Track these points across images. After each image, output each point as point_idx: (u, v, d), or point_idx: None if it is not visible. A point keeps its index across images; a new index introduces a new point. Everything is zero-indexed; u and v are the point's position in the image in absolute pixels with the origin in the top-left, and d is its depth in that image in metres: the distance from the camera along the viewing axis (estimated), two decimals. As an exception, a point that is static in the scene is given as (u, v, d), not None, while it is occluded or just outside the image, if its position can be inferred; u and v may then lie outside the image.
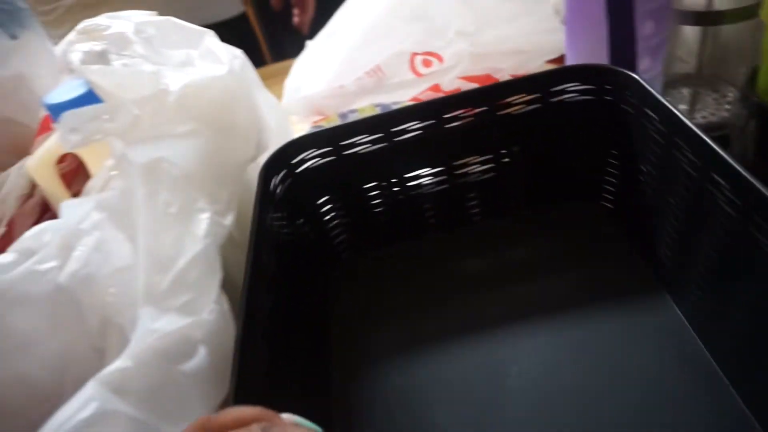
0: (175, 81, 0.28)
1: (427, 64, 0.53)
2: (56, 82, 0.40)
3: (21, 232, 0.33)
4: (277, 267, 0.30)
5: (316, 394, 0.30)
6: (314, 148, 0.37)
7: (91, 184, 0.28)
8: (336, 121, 0.52)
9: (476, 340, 0.31)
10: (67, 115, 0.25)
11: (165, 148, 0.26)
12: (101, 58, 0.30)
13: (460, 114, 0.38)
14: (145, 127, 0.26)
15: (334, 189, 0.40)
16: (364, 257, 0.40)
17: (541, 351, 0.29)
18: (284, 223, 0.35)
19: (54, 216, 0.34)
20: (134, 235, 0.24)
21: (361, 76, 0.53)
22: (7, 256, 0.24)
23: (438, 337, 0.32)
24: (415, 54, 0.52)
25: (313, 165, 0.38)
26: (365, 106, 0.52)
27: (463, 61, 0.52)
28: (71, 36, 0.41)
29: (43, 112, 0.37)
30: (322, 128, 0.38)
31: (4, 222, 0.31)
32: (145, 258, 0.22)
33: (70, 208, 0.26)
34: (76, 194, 0.33)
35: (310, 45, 0.58)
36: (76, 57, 0.30)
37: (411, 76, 0.53)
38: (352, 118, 0.52)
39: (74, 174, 0.34)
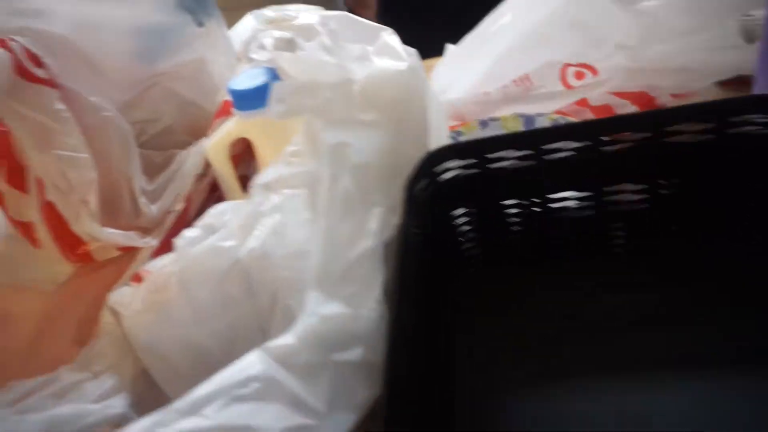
0: (358, 72, 0.30)
1: (579, 76, 0.51)
2: (231, 68, 0.44)
3: (194, 209, 0.37)
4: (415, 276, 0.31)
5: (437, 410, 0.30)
6: (459, 158, 0.37)
7: (268, 167, 0.30)
8: (476, 128, 0.51)
9: (613, 382, 0.29)
10: (277, 86, 0.27)
11: (350, 134, 0.27)
12: (290, 45, 0.32)
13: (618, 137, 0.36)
14: (334, 111, 0.28)
15: (472, 201, 0.40)
16: (493, 274, 0.39)
17: (686, 406, 0.27)
18: (419, 231, 0.36)
19: (221, 196, 0.37)
20: (312, 219, 0.26)
21: (508, 84, 0.52)
22: (193, 231, 0.27)
23: (569, 372, 0.30)
24: (568, 65, 0.50)
25: (456, 175, 0.38)
26: (508, 115, 0.51)
27: (618, 75, 0.50)
28: (250, 24, 0.44)
29: (221, 97, 0.41)
30: (463, 136, 0.38)
31: (182, 197, 0.34)
32: (321, 244, 0.23)
33: (255, 189, 0.28)
34: (241, 177, 0.36)
35: (452, 48, 0.58)
36: (268, 42, 0.32)
37: (560, 87, 0.51)
38: (492, 126, 0.51)
39: (240, 158, 0.37)
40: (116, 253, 0.36)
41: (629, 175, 0.37)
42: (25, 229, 0.40)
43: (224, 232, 0.26)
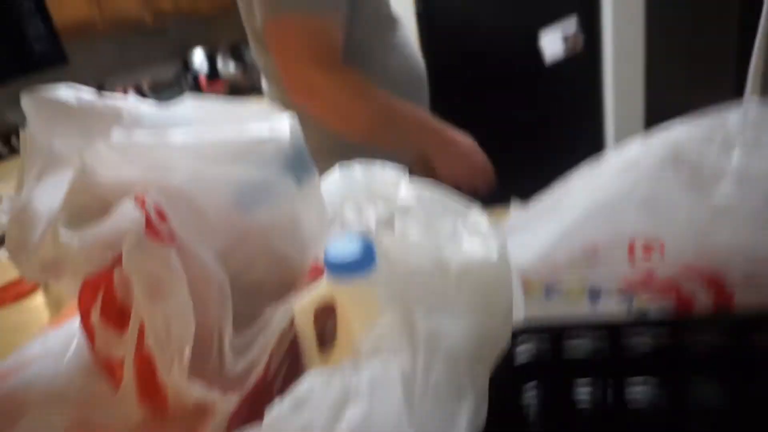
0: (452, 256, 0.32)
1: (647, 251, 0.52)
2: (323, 228, 0.47)
3: (274, 367, 0.38)
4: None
5: None
6: (535, 337, 0.38)
7: (358, 343, 0.32)
8: (540, 294, 0.52)
9: None
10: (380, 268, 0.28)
11: (444, 321, 0.29)
12: (389, 224, 0.35)
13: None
14: (429, 297, 0.30)
15: (542, 378, 0.40)
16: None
17: None
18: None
19: (298, 354, 0.39)
20: (403, 410, 0.26)
21: (575, 251, 0.54)
22: (282, 407, 0.28)
23: None
24: (636, 239, 0.52)
25: (529, 352, 0.39)
26: (574, 288, 0.52)
27: (686, 255, 0.51)
28: (340, 183, 0.49)
29: (311, 255, 0.44)
30: (529, 300, 0.39)
31: (266, 354, 0.36)
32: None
33: (337, 372, 0.29)
34: (321, 343, 0.37)
35: (518, 211, 0.61)
36: (368, 216, 0.35)
37: (626, 260, 0.53)
38: (557, 297, 0.52)
39: (320, 316, 0.39)
40: (191, 406, 0.37)
41: (711, 372, 0.36)
42: (109, 367, 0.42)
43: (314, 412, 0.27)
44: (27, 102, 0.43)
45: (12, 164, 1.99)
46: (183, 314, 0.34)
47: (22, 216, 0.44)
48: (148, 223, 0.35)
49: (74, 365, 0.45)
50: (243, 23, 1.02)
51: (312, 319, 0.38)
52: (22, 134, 0.45)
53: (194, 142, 0.43)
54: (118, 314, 0.44)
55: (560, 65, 2.30)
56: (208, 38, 3.37)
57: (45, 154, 0.45)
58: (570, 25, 2.25)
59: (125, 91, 2.44)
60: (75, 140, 0.45)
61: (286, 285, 0.43)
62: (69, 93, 0.44)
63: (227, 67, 3.21)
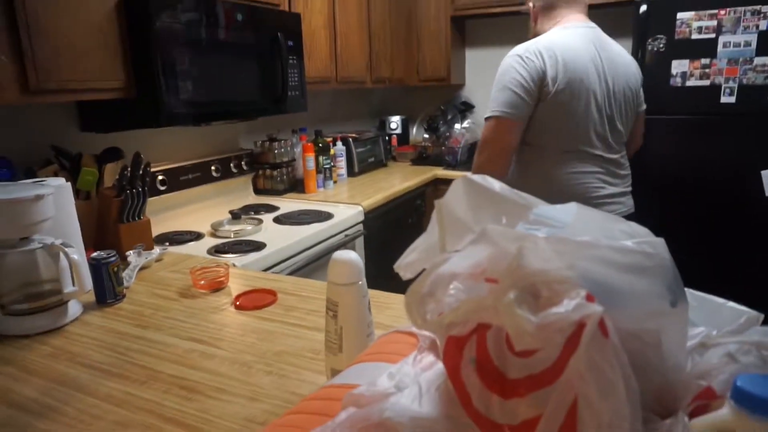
0: None
1: None
2: (683, 352, 0.50)
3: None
4: None
5: None
6: None
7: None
8: None
9: None
10: None
11: None
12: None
13: None
14: None
15: None
16: None
17: None
18: None
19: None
20: None
21: None
22: None
23: None
24: None
25: None
26: None
27: None
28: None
29: (674, 376, 0.47)
30: None
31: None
32: None
33: None
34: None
35: None
36: None
37: None
38: None
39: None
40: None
41: None
42: (487, 425, 0.47)
43: None
44: (460, 181, 0.52)
45: (232, 183, 2.29)
46: (620, 412, 0.38)
47: (433, 273, 0.53)
48: (601, 319, 0.40)
49: (439, 411, 0.51)
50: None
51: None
52: (438, 204, 0.54)
53: (597, 247, 0.49)
54: (494, 378, 0.49)
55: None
56: (407, 106, 3.67)
57: (456, 222, 0.54)
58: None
59: (335, 139, 2.72)
60: (487, 219, 0.53)
61: (662, 398, 0.45)
62: (493, 182, 0.53)
63: (419, 134, 3.44)
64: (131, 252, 1.46)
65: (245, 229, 1.85)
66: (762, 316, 0.54)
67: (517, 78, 1.55)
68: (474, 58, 3.47)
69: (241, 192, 2.37)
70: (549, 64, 1.53)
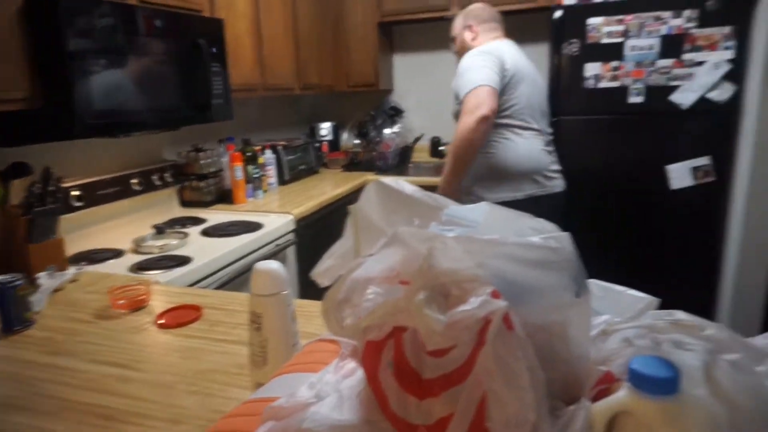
0: None
1: None
2: (588, 340, 0.52)
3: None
4: None
5: None
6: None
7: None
8: None
9: None
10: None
11: None
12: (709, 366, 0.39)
13: None
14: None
15: None
16: None
17: None
18: None
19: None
20: None
21: None
22: None
23: None
24: None
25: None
26: None
27: None
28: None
29: (577, 364, 0.49)
30: None
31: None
32: None
33: None
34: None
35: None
36: (693, 356, 0.39)
37: None
38: None
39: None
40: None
41: None
42: (405, 427, 0.47)
43: None
44: (372, 186, 0.52)
45: (155, 196, 2.20)
46: (526, 402, 0.39)
47: (348, 278, 0.52)
48: (506, 314, 0.41)
49: (359, 417, 0.51)
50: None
51: (605, 424, 0.42)
52: (352, 209, 0.54)
53: (504, 245, 0.50)
54: (410, 380, 0.49)
55: (689, 189, 2.31)
56: (337, 112, 3.66)
57: (370, 227, 0.54)
58: (703, 160, 2.28)
59: (264, 147, 2.67)
60: (400, 221, 0.53)
61: (568, 386, 0.47)
62: (404, 185, 0.53)
63: (350, 140, 3.44)
64: (42, 274, 1.36)
65: (170, 244, 1.78)
66: (659, 301, 0.57)
67: (488, 64, 1.94)
68: (402, 63, 3.52)
69: (165, 205, 2.27)
70: (502, 57, 1.97)
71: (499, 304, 0.41)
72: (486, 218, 0.56)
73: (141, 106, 1.72)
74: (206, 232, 1.97)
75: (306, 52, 2.95)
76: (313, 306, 1.15)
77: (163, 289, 1.36)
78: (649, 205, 2.39)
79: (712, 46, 2.21)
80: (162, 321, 1.14)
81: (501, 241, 0.49)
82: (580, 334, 0.51)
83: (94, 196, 1.91)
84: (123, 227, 2.00)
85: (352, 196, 2.82)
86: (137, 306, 1.22)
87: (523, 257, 0.50)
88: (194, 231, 1.98)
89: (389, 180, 0.54)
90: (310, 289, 2.30)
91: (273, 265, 0.78)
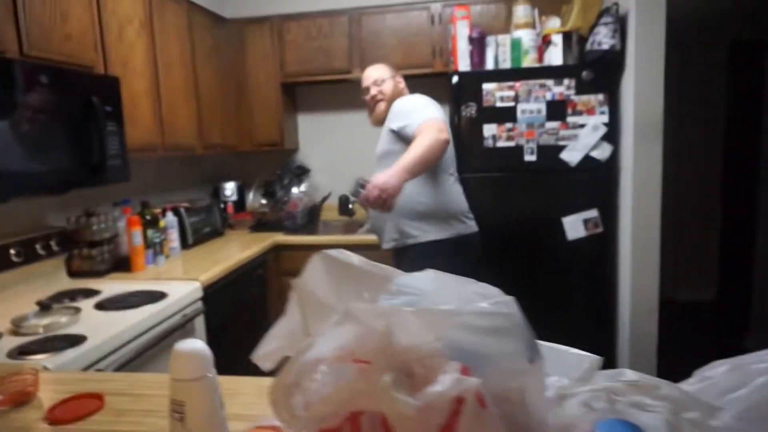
0: None
1: None
2: (545, 404, 0.52)
3: None
4: None
5: None
6: None
7: None
8: None
9: None
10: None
11: None
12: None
13: None
14: None
15: None
16: None
17: None
18: None
19: None
20: None
21: None
22: None
23: None
24: None
25: None
26: None
27: None
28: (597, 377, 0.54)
29: (546, 429, 0.48)
30: None
31: None
32: None
33: None
34: None
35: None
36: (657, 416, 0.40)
37: None
38: None
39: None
40: None
41: None
42: None
43: None
44: (318, 258, 0.49)
45: (38, 267, 1.97)
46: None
47: (298, 361, 0.48)
48: (478, 391, 0.39)
49: None
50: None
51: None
52: (296, 284, 0.51)
53: (460, 315, 0.49)
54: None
55: (582, 240, 2.50)
56: (241, 172, 3.57)
57: (318, 303, 0.50)
58: (591, 212, 2.49)
59: (164, 210, 2.52)
60: (349, 294, 0.51)
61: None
62: (351, 256, 0.51)
63: (256, 200, 3.35)
64: None
65: (58, 322, 1.58)
66: (601, 359, 0.59)
67: (437, 107, 2.11)
68: (306, 122, 3.55)
69: (50, 277, 2.04)
70: (438, 108, 2.14)
71: (471, 381, 0.40)
72: (433, 285, 0.55)
73: (23, 168, 1.56)
74: (101, 306, 1.79)
75: (208, 111, 2.88)
76: (233, 383, 1.06)
77: (53, 377, 1.19)
78: (549, 254, 2.55)
79: (590, 111, 2.47)
80: (53, 415, 0.99)
81: (457, 311, 0.49)
82: (538, 400, 0.51)
83: (-38, 271, 1.66)
84: (-2, 305, 1.75)
85: (262, 258, 2.73)
86: (21, 400, 1.05)
87: (477, 326, 0.50)
88: (87, 305, 1.78)
89: (335, 252, 0.52)
90: (224, 362, 2.13)
91: (196, 344, 0.71)
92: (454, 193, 2.16)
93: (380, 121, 2.26)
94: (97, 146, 1.84)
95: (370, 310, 0.45)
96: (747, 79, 3.72)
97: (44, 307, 1.65)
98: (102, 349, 1.47)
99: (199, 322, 2.02)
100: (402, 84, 2.32)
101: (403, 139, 2.04)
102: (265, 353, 0.51)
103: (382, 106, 2.25)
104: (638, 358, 2.46)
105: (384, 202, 1.81)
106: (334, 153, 3.50)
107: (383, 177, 1.82)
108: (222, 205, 3.18)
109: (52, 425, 0.97)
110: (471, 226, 2.17)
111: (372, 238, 2.85)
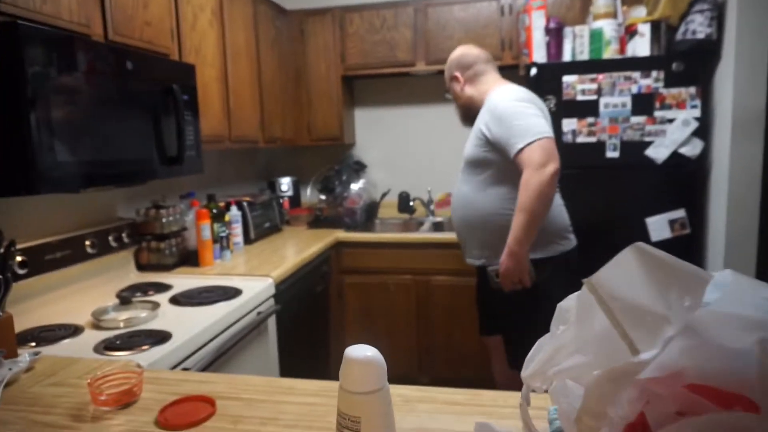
0: None
1: None
2: None
3: None
4: None
5: None
6: None
7: None
8: None
9: None
10: None
11: None
12: None
13: None
14: None
15: None
16: None
17: None
18: None
19: None
20: None
21: None
22: None
23: None
24: None
25: None
26: None
27: None
28: None
29: None
30: None
31: None
32: None
33: None
34: None
35: None
36: None
37: None
38: None
39: None
40: None
41: None
42: None
43: None
44: (630, 252, 0.38)
45: (110, 259, 1.91)
46: None
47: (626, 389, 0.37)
48: None
49: None
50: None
51: None
52: (592, 284, 0.40)
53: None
54: None
55: (666, 242, 2.33)
56: (296, 167, 3.50)
57: (633, 309, 0.39)
58: (678, 212, 2.33)
59: (227, 204, 2.45)
60: (669, 301, 0.39)
61: None
62: (663, 253, 0.40)
63: (313, 195, 3.27)
64: (-12, 364, 1.08)
65: (139, 317, 1.52)
66: None
67: (535, 112, 1.82)
68: (363, 117, 3.45)
69: (120, 270, 1.98)
70: (536, 103, 1.90)
71: None
72: (731, 289, 0.43)
73: (109, 157, 1.50)
74: (176, 301, 1.72)
75: (270, 104, 2.81)
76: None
77: (151, 376, 1.11)
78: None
79: (680, 105, 2.31)
80: (165, 420, 0.90)
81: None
82: None
83: (40, 261, 1.61)
84: (75, 297, 1.70)
85: (326, 254, 2.64)
86: (126, 401, 0.97)
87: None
88: (162, 299, 1.72)
89: (649, 248, 0.41)
90: (293, 366, 2.06)
91: (370, 351, 0.61)
92: (556, 207, 1.92)
93: (465, 121, 2.11)
94: (177, 136, 1.77)
95: (723, 322, 0.34)
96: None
97: (123, 300, 1.59)
98: (188, 347, 1.40)
99: (272, 323, 1.94)
100: (458, 86, 2.05)
101: (496, 149, 1.83)
102: (535, 371, 0.41)
103: (459, 110, 2.11)
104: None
105: (519, 282, 1.80)
106: (391, 149, 3.40)
107: (503, 264, 1.79)
108: (279, 200, 3.11)
109: (166, 431, 0.88)
110: (572, 240, 1.98)
111: (437, 236, 2.74)
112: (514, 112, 1.80)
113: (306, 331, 2.33)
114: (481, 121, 1.89)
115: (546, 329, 0.44)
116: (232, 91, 2.39)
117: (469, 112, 2.04)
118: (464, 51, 2.08)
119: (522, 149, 1.74)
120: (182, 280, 1.95)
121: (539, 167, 1.72)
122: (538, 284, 1.83)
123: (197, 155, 1.92)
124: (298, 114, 3.16)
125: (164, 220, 2.09)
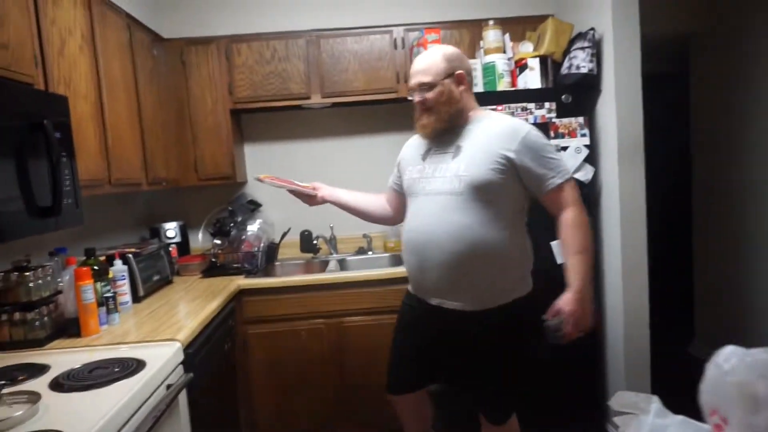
0: None
1: None
2: None
3: None
4: None
5: None
6: None
7: None
8: None
9: None
10: None
11: None
12: None
13: None
14: None
15: None
16: None
17: None
18: None
19: None
20: None
21: None
22: None
23: None
24: None
25: None
26: None
27: None
28: None
29: None
30: None
31: None
32: None
33: None
34: None
35: None
36: None
37: None
38: None
39: None
40: None
41: None
42: None
43: None
44: None
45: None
46: None
47: None
48: None
49: None
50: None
51: None
52: None
53: None
54: None
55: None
56: (180, 210, 3.16)
57: None
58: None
59: (108, 258, 2.09)
60: None
61: None
62: None
63: (205, 240, 2.96)
64: None
65: (11, 417, 1.17)
66: None
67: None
68: (253, 153, 3.23)
69: (-27, 353, 1.56)
70: None
71: None
72: None
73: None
74: (59, 386, 1.37)
75: (151, 141, 2.50)
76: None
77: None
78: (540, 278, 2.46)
79: (571, 133, 2.46)
80: None
81: None
82: None
83: None
84: None
85: (230, 306, 2.36)
86: None
87: None
88: (40, 387, 1.36)
89: None
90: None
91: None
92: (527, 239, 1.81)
93: (432, 133, 1.73)
94: (51, 182, 1.45)
95: None
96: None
97: (-12, 397, 1.23)
98: (92, 448, 1.10)
99: (183, 398, 1.64)
100: (458, 89, 1.71)
101: (517, 177, 1.64)
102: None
103: (431, 116, 1.71)
104: (632, 372, 2.44)
105: (584, 328, 1.62)
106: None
107: (573, 312, 1.59)
108: (167, 249, 2.76)
109: None
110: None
111: (348, 275, 2.60)
112: (545, 144, 1.67)
113: (217, 398, 2.03)
114: (499, 145, 1.62)
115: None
116: (110, 127, 2.07)
117: (453, 121, 1.71)
118: (461, 53, 1.77)
119: (562, 185, 1.65)
120: (63, 357, 1.58)
121: (582, 205, 1.68)
122: (524, 325, 1.71)
123: (76, 204, 1.60)
124: (183, 151, 2.86)
125: (31, 284, 1.70)
